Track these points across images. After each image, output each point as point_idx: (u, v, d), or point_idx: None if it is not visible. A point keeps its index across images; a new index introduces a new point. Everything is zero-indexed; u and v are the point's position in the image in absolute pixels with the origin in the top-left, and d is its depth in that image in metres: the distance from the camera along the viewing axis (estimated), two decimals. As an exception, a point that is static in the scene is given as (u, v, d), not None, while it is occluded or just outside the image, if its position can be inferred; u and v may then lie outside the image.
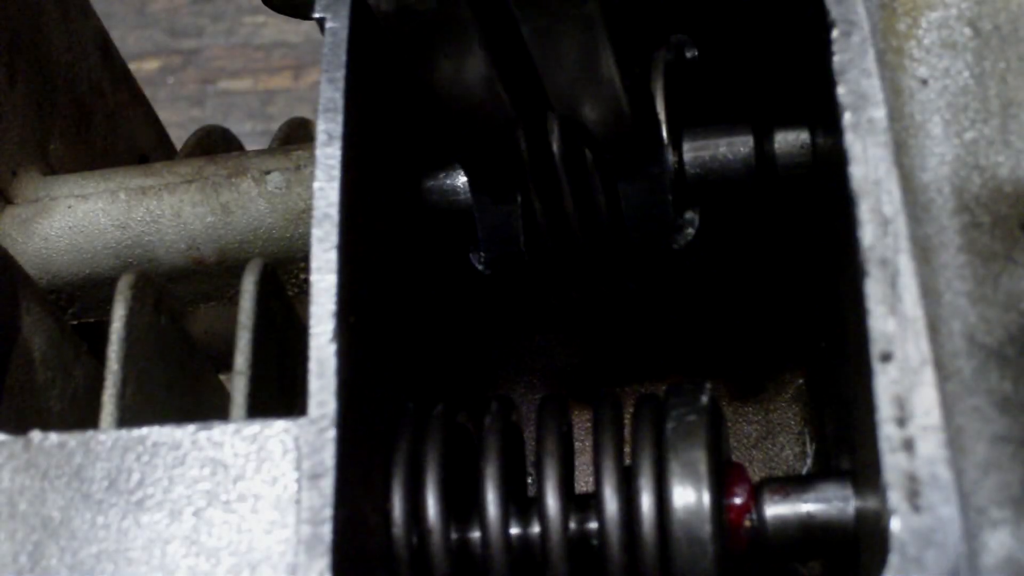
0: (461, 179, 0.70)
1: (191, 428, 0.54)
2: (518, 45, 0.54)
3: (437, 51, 0.54)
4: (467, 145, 0.63)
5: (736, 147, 0.67)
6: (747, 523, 0.57)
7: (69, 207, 0.82)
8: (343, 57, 0.59)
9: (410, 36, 0.53)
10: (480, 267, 0.70)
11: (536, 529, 0.59)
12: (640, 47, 0.62)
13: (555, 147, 0.63)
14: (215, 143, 0.95)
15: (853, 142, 0.54)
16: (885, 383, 0.49)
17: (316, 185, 0.57)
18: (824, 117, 0.59)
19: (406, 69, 0.56)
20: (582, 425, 0.86)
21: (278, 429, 0.53)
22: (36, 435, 0.55)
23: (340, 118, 0.58)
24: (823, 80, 0.57)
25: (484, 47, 0.54)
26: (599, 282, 0.74)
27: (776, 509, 0.57)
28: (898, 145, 0.55)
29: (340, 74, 0.59)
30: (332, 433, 0.52)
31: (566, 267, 0.71)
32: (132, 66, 1.04)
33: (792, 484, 0.58)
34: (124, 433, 0.54)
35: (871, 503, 0.52)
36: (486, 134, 0.61)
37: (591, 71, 0.54)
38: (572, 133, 0.62)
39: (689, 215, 0.67)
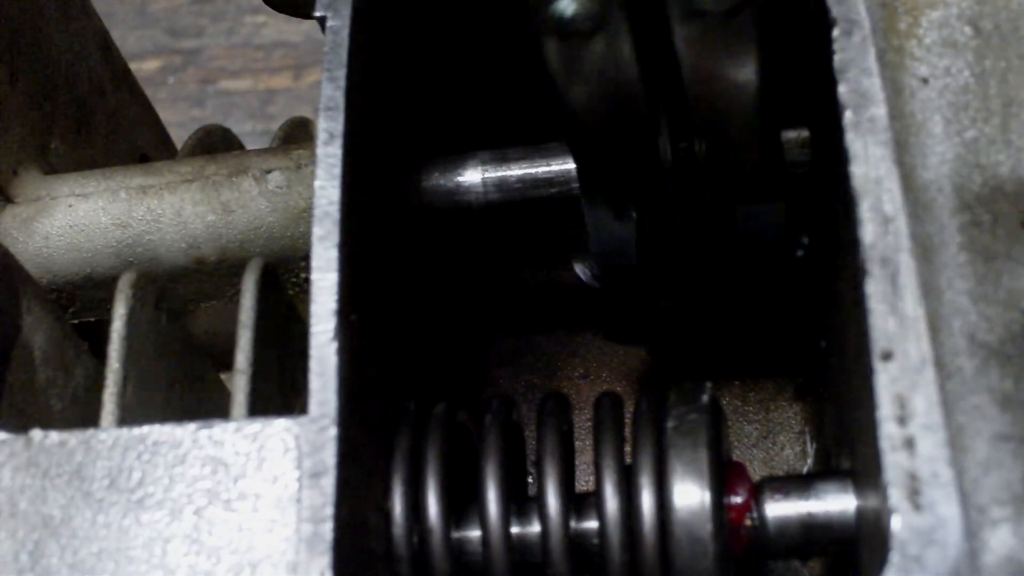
0: (461, 178, 0.71)
1: (192, 427, 0.54)
2: (660, 59, 0.55)
3: (590, 59, 0.53)
4: (600, 154, 0.62)
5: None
6: (748, 522, 0.57)
7: (70, 206, 0.82)
8: (344, 56, 0.59)
9: (568, 45, 0.52)
10: (587, 279, 0.70)
11: (536, 528, 0.59)
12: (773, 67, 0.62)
13: (669, 160, 0.63)
14: (215, 142, 0.95)
15: (854, 141, 0.54)
16: (886, 382, 0.49)
17: (317, 184, 0.57)
18: (825, 116, 0.59)
19: (549, 84, 0.56)
20: (582, 425, 0.86)
21: (279, 428, 0.53)
22: (37, 434, 0.55)
23: (341, 117, 0.58)
24: (824, 79, 0.57)
25: (636, 55, 0.54)
26: (696, 293, 0.75)
27: (777, 508, 0.57)
28: (899, 144, 0.55)
29: (341, 72, 0.59)
30: (333, 432, 0.52)
31: (670, 279, 0.71)
32: (132, 66, 1.04)
33: (792, 483, 0.58)
34: (125, 432, 0.54)
35: (872, 502, 0.52)
36: (625, 141, 0.60)
37: (737, 80, 0.54)
38: (710, 152, 0.62)
39: (803, 239, 0.68)
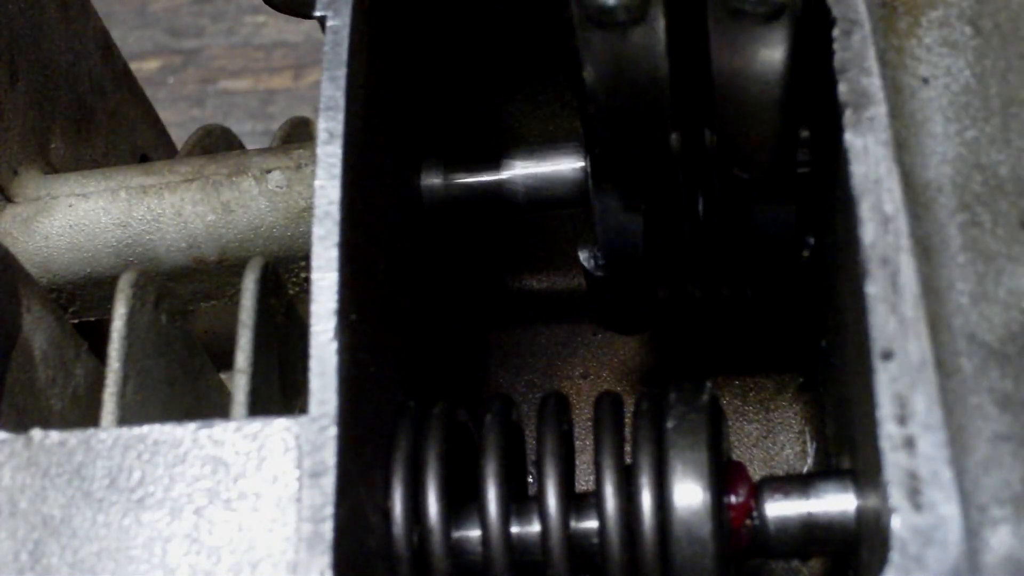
0: (460, 178, 0.71)
1: (192, 426, 0.54)
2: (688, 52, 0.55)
3: (626, 50, 0.53)
4: (616, 143, 0.62)
5: None
6: (748, 522, 0.57)
7: (70, 206, 0.82)
8: (344, 55, 0.59)
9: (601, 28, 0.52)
10: (591, 267, 0.70)
11: (536, 528, 0.59)
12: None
13: (679, 153, 0.63)
14: (215, 142, 0.95)
15: (854, 140, 0.54)
16: (886, 381, 0.49)
17: (317, 183, 0.57)
18: (825, 115, 0.59)
19: (571, 69, 0.56)
20: (582, 424, 0.86)
21: (279, 427, 0.53)
22: (37, 433, 0.55)
23: (341, 116, 0.58)
24: (824, 78, 0.57)
25: (667, 45, 0.53)
26: (696, 285, 0.75)
27: (777, 508, 0.57)
28: (899, 143, 0.55)
29: (341, 72, 0.59)
30: (333, 431, 0.52)
31: (672, 270, 0.71)
32: (132, 66, 1.04)
33: (793, 483, 0.58)
34: (125, 431, 0.54)
35: (872, 502, 0.52)
36: (642, 131, 0.60)
37: (766, 82, 0.54)
38: (721, 150, 0.62)
39: (809, 240, 0.68)
